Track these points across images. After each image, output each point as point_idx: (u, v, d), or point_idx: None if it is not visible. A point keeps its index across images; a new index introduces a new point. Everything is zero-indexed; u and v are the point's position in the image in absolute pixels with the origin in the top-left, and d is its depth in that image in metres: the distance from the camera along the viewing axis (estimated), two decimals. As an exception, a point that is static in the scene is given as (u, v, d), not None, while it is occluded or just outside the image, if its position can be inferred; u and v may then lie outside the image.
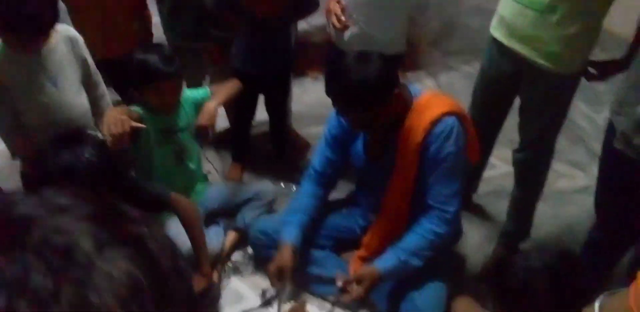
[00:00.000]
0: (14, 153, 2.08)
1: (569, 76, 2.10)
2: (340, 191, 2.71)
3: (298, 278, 2.31)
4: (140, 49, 2.26)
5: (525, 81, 2.17)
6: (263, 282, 2.38)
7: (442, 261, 2.09)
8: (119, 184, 1.83)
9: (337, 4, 2.41)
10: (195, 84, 2.93)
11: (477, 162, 2.24)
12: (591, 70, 2.16)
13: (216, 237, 2.41)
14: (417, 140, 1.94)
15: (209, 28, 2.78)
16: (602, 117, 3.41)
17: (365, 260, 2.19)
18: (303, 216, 2.17)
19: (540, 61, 2.04)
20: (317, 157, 2.25)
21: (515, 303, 1.38)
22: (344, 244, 2.39)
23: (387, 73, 1.86)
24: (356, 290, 1.92)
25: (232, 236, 2.51)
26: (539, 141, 2.26)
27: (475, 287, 2.35)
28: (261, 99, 2.96)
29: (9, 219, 0.54)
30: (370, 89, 1.81)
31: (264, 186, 2.66)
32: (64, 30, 2.10)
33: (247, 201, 2.57)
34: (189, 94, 2.41)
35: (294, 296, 2.32)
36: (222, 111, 3.19)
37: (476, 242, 2.61)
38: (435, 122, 1.92)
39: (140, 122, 2.17)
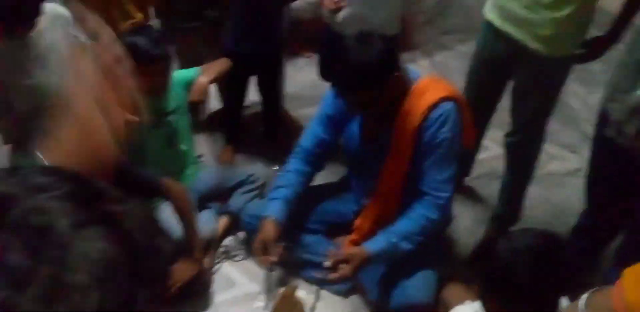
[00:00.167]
0: (5, 140, 2.06)
1: (562, 59, 2.09)
2: (330, 175, 2.72)
3: (289, 263, 2.33)
4: (127, 32, 2.23)
5: (519, 64, 2.16)
6: (255, 267, 2.40)
7: (433, 249, 2.10)
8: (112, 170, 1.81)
9: None
10: (188, 64, 2.90)
11: (471, 147, 2.24)
12: (579, 50, 2.15)
13: (208, 222, 2.42)
14: (414, 124, 1.93)
15: (202, 8, 2.74)
16: (595, 97, 3.37)
17: (357, 244, 2.19)
18: (287, 191, 2.15)
19: (534, 44, 2.03)
20: (307, 135, 2.23)
21: (500, 285, 1.39)
22: (336, 229, 2.40)
23: (389, 54, 1.84)
24: (344, 269, 1.92)
25: (224, 220, 2.52)
26: (530, 124, 2.26)
27: (466, 272, 2.37)
28: (254, 80, 2.94)
29: None
30: (371, 70, 1.80)
31: (256, 169, 2.65)
32: (52, 9, 2.06)
33: (239, 185, 2.56)
34: (178, 75, 2.39)
35: (285, 281, 2.34)
36: (214, 92, 3.19)
37: (468, 225, 2.62)
38: (432, 107, 1.91)
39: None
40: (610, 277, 1.93)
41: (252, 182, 2.56)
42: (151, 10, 2.83)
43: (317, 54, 2.87)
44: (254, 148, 3.03)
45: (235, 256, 2.45)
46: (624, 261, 1.91)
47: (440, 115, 1.91)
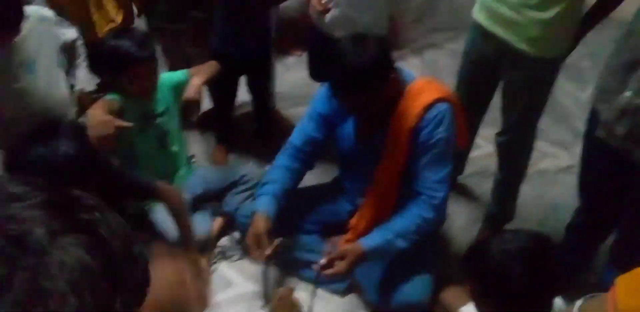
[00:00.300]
0: None
1: (550, 60, 2.10)
2: (323, 175, 2.72)
3: (286, 263, 2.33)
4: (111, 34, 2.22)
5: (507, 65, 2.16)
6: (251, 267, 2.39)
7: (427, 248, 2.10)
8: (103, 175, 1.80)
9: None
10: (175, 65, 2.90)
11: (465, 148, 2.24)
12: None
13: (203, 223, 2.41)
14: (409, 125, 1.94)
15: (188, 9, 2.73)
16: (585, 94, 3.41)
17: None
18: (275, 186, 2.13)
19: (522, 46, 2.04)
20: (298, 133, 2.21)
21: (492, 287, 1.39)
22: (331, 229, 2.40)
23: (384, 56, 1.85)
24: (339, 265, 1.91)
25: (218, 221, 2.51)
26: (521, 124, 2.27)
27: (461, 271, 2.38)
28: (244, 80, 2.92)
29: None
30: (368, 73, 1.80)
31: (249, 170, 2.65)
32: (35, 12, 2.03)
33: (233, 185, 2.56)
34: (166, 77, 2.38)
35: (282, 280, 2.34)
36: (206, 93, 3.17)
37: (462, 224, 2.63)
38: (428, 108, 1.92)
39: (122, 110, 2.16)
40: (605, 276, 1.96)
41: (246, 182, 2.54)
42: (134, 12, 2.83)
43: (307, 54, 2.85)
44: (246, 148, 3.02)
45: (231, 256, 2.45)
46: (617, 259, 1.94)
47: (436, 116, 1.92)
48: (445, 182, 1.98)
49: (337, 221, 2.36)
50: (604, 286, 1.96)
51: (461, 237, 2.57)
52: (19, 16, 1.83)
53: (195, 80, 2.34)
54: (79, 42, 2.29)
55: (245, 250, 2.33)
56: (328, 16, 2.43)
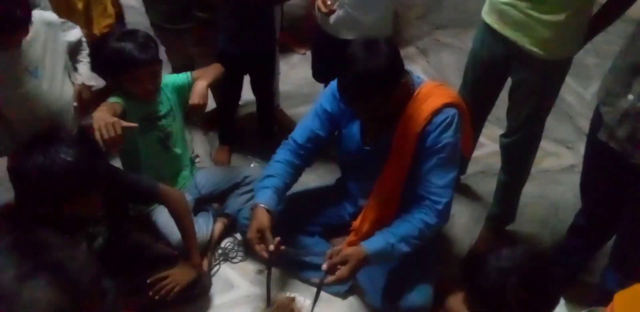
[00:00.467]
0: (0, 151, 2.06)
1: (560, 61, 2.09)
2: (326, 175, 2.73)
3: (287, 265, 2.34)
4: (114, 36, 2.23)
5: (517, 65, 2.15)
6: (253, 269, 2.41)
7: (429, 248, 2.10)
8: (104, 180, 1.81)
9: None
10: (179, 65, 2.91)
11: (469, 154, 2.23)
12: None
13: (205, 225, 2.42)
14: (417, 129, 1.94)
15: (190, 9, 2.73)
16: (590, 92, 3.41)
17: (355, 245, 2.20)
18: (276, 180, 2.12)
19: (532, 48, 2.03)
20: (301, 129, 2.20)
21: (489, 305, 1.39)
22: (333, 230, 2.41)
23: (396, 61, 1.84)
24: (341, 270, 1.90)
25: (221, 222, 2.52)
26: (528, 125, 2.25)
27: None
28: (248, 79, 2.93)
29: None
30: (379, 79, 1.80)
31: (252, 171, 2.65)
32: (40, 16, 2.05)
33: (235, 187, 2.57)
34: (169, 79, 2.38)
35: (284, 282, 2.35)
36: (209, 93, 3.18)
37: (464, 224, 2.63)
38: (436, 112, 1.92)
39: (125, 113, 2.17)
40: (605, 278, 1.97)
41: (248, 184, 2.55)
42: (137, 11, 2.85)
43: (311, 55, 2.85)
44: (249, 147, 3.03)
45: (233, 257, 2.46)
46: (617, 262, 1.94)
47: (444, 120, 1.92)
48: (449, 188, 1.97)
49: (339, 222, 2.37)
50: (604, 287, 1.98)
51: (463, 238, 2.57)
52: (28, 15, 1.84)
53: (199, 84, 2.33)
54: (84, 39, 2.31)
55: (247, 246, 2.30)
56: (333, 17, 2.42)
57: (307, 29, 3.44)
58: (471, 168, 2.83)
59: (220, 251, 2.47)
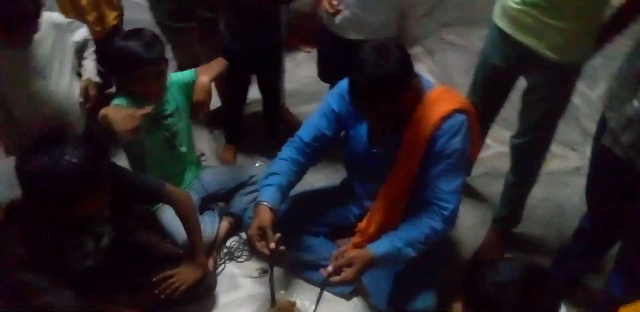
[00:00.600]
0: (7, 151, 2.05)
1: (572, 65, 2.08)
2: (331, 175, 2.72)
3: (292, 265, 2.34)
4: (120, 36, 2.23)
5: (530, 69, 2.15)
6: (258, 268, 2.41)
7: (434, 251, 2.10)
8: (110, 181, 1.81)
9: None
10: (184, 64, 2.90)
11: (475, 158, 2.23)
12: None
13: (211, 224, 2.42)
14: (426, 134, 1.93)
15: (195, 8, 2.73)
16: (596, 94, 3.40)
17: (360, 247, 2.20)
18: (281, 178, 2.11)
19: (546, 52, 2.02)
20: (307, 127, 2.19)
21: None
22: (337, 230, 2.41)
23: (407, 65, 1.84)
24: (347, 272, 1.90)
25: (226, 221, 2.52)
26: (540, 127, 2.24)
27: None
28: (254, 78, 2.92)
29: None
30: (390, 82, 1.79)
31: (258, 170, 2.65)
32: (47, 18, 2.05)
33: (241, 186, 2.57)
34: (174, 77, 2.38)
35: (288, 283, 2.36)
36: (214, 91, 3.17)
37: (469, 225, 2.63)
38: (445, 118, 1.91)
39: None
40: (610, 283, 1.96)
41: (254, 183, 2.55)
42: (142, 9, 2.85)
43: (317, 55, 2.84)
44: (255, 146, 3.02)
45: (238, 257, 2.46)
46: (622, 266, 1.94)
47: (453, 126, 1.91)
48: (456, 194, 1.96)
49: (344, 223, 2.37)
50: (609, 292, 1.98)
51: (469, 240, 2.57)
52: (38, 9, 1.84)
53: (202, 79, 2.35)
54: (90, 38, 2.30)
55: (248, 238, 2.27)
56: (339, 17, 2.41)
57: (312, 26, 3.43)
58: (476, 170, 2.83)
59: (225, 250, 2.48)
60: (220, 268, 2.41)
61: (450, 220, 1.98)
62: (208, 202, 2.56)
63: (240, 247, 2.49)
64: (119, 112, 2.00)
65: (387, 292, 2.15)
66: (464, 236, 2.58)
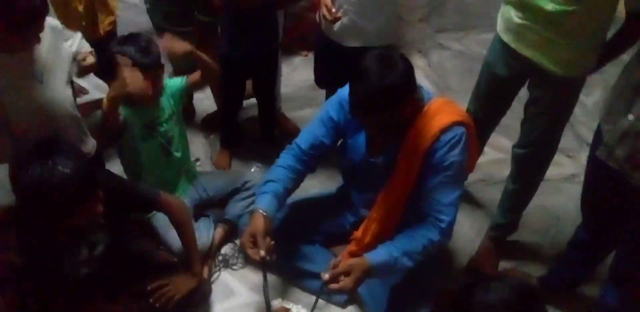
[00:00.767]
0: (1, 158, 2.04)
1: (575, 79, 2.08)
2: (327, 182, 2.72)
3: (288, 273, 2.33)
4: (115, 41, 2.22)
5: (533, 82, 2.15)
6: (254, 276, 2.40)
7: (429, 278, 2.12)
8: (104, 190, 1.81)
9: None
10: (182, 68, 2.89)
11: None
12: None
13: (206, 231, 2.41)
14: (424, 146, 1.93)
15: (192, 12, 2.72)
16: (591, 100, 3.41)
17: (356, 255, 2.19)
18: (277, 185, 2.10)
19: (550, 66, 2.02)
20: (305, 135, 2.18)
21: None
22: (333, 238, 2.41)
23: (411, 77, 1.83)
24: (344, 281, 1.89)
25: (221, 228, 2.51)
26: (540, 140, 2.24)
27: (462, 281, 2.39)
28: (249, 82, 2.91)
29: None
30: (394, 94, 1.79)
31: (252, 176, 2.65)
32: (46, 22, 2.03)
33: (235, 192, 2.56)
34: (168, 83, 2.38)
35: (284, 291, 2.35)
36: (209, 95, 3.17)
37: (465, 232, 2.63)
38: (445, 130, 1.91)
39: (125, 121, 2.20)
40: (605, 294, 1.97)
41: (248, 189, 2.55)
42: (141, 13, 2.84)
43: (314, 61, 2.83)
44: (250, 151, 3.02)
45: (234, 264, 2.45)
46: (616, 278, 1.94)
47: (452, 138, 1.91)
48: (453, 206, 1.96)
49: (340, 231, 2.37)
50: (604, 302, 1.99)
51: (464, 247, 2.57)
52: (46, 5, 1.82)
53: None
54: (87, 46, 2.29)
55: (240, 244, 2.29)
56: (337, 24, 2.40)
57: (309, 30, 3.43)
58: (472, 176, 2.76)
59: (220, 258, 2.47)
60: (215, 276, 2.40)
61: (447, 232, 1.97)
62: (203, 208, 2.55)
63: (236, 255, 2.48)
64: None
65: (383, 303, 2.15)
66: (458, 243, 2.57)
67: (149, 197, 2.07)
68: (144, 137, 2.29)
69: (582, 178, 2.13)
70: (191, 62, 2.83)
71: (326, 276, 1.90)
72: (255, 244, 1.97)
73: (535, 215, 2.68)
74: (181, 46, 2.20)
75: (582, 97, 3.38)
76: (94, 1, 2.53)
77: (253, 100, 3.00)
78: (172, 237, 2.24)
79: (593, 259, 2.20)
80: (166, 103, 2.35)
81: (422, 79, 1.94)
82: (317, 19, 2.49)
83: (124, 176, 2.41)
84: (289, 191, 2.16)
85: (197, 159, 2.91)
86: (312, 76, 2.88)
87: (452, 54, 3.83)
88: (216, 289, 2.35)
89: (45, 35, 1.94)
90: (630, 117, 1.71)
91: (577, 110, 3.32)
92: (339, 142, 2.22)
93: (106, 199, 1.82)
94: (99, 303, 2.08)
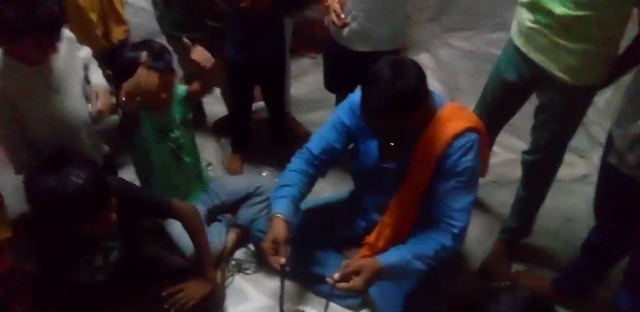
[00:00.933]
0: (17, 168, 2.06)
1: (585, 88, 2.06)
2: (339, 184, 2.72)
3: (300, 277, 2.34)
4: (129, 46, 2.23)
5: (543, 88, 2.14)
6: (266, 280, 2.41)
7: (442, 284, 2.12)
8: (117, 199, 1.82)
9: (336, 0, 2.36)
10: (191, 73, 2.90)
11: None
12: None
13: (218, 235, 2.43)
14: (437, 151, 1.93)
15: (201, 19, 2.73)
16: (603, 99, 3.37)
17: (369, 258, 2.20)
18: (293, 190, 2.10)
19: (558, 74, 2.01)
20: (317, 139, 2.18)
21: None
22: (345, 242, 2.41)
23: (423, 83, 1.83)
24: (355, 280, 1.88)
25: (234, 233, 2.52)
26: (548, 147, 2.24)
27: (474, 284, 2.39)
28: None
29: None
30: (407, 99, 1.78)
31: (264, 181, 2.66)
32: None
33: (248, 197, 2.58)
34: (179, 89, 2.39)
35: (297, 296, 2.36)
36: (219, 99, 3.18)
37: (476, 235, 2.62)
38: (457, 136, 1.91)
39: (139, 123, 2.21)
40: (619, 298, 1.95)
41: (260, 194, 2.56)
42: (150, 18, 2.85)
43: (323, 66, 2.83)
44: (262, 155, 3.03)
45: (247, 269, 2.47)
46: (630, 282, 1.93)
47: (464, 144, 1.91)
48: (466, 212, 1.96)
49: (351, 234, 2.38)
50: (619, 307, 1.97)
51: (475, 250, 2.56)
52: (64, 15, 1.83)
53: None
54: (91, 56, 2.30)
55: (262, 255, 2.26)
56: (346, 29, 2.41)
57: (318, 32, 3.43)
58: (483, 178, 2.82)
59: (233, 262, 2.48)
60: (228, 281, 2.42)
61: (460, 237, 1.97)
62: (215, 213, 2.56)
63: (248, 259, 2.49)
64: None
65: (396, 307, 2.15)
66: (470, 246, 2.57)
67: (161, 204, 2.08)
68: (155, 141, 2.30)
69: (594, 178, 2.12)
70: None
71: (336, 276, 1.88)
72: (276, 251, 1.97)
73: (547, 216, 2.67)
74: (210, 60, 2.25)
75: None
76: (106, 10, 2.54)
77: (263, 103, 3.00)
78: (186, 243, 2.26)
79: (606, 263, 2.19)
80: (177, 109, 2.36)
81: (431, 80, 1.92)
82: (326, 24, 2.50)
83: (137, 183, 2.42)
84: (303, 195, 2.17)
85: (209, 164, 2.92)
86: (321, 78, 2.88)
87: (461, 54, 3.82)
88: (230, 294, 2.36)
89: (61, 46, 1.95)
90: None
91: (589, 109, 3.34)
92: (350, 146, 2.22)
93: (119, 206, 1.84)
94: (114, 309, 2.10)
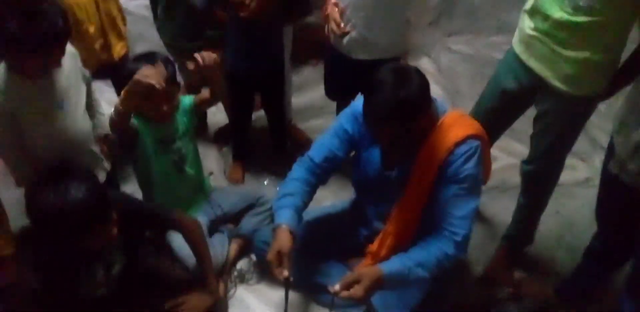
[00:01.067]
0: (19, 181, 2.06)
1: (584, 98, 2.04)
2: (340, 192, 2.72)
3: (303, 287, 2.34)
4: (132, 58, 2.24)
5: (541, 97, 2.12)
6: (269, 291, 2.41)
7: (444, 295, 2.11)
8: (118, 212, 1.83)
9: (335, 9, 2.36)
10: (191, 83, 2.91)
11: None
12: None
13: (220, 247, 2.42)
14: (439, 158, 1.92)
15: (202, 28, 2.73)
16: (605, 102, 3.35)
17: (371, 267, 2.19)
18: (295, 199, 2.09)
19: (557, 83, 2.00)
20: (318, 147, 2.18)
21: None
22: (347, 251, 2.40)
23: (426, 90, 1.83)
24: (355, 288, 1.87)
25: (236, 244, 2.52)
26: (546, 156, 2.23)
27: (477, 292, 2.38)
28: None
29: None
30: (409, 107, 1.78)
31: (265, 190, 2.66)
32: None
33: (250, 207, 2.58)
34: (181, 100, 2.38)
35: (298, 306, 2.36)
36: (221, 108, 3.18)
37: (477, 242, 2.59)
38: (459, 143, 1.91)
39: (137, 134, 2.21)
40: (622, 305, 1.95)
41: (262, 204, 2.56)
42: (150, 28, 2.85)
43: (324, 74, 2.83)
44: (263, 164, 3.03)
45: (249, 279, 2.46)
46: (632, 290, 1.92)
47: (467, 151, 1.90)
48: (468, 219, 1.95)
49: (353, 244, 2.37)
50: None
51: (477, 256, 2.55)
52: (68, 27, 1.83)
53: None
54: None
55: (265, 266, 2.27)
56: (346, 38, 2.41)
57: (319, 40, 3.42)
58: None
59: (236, 273, 2.48)
60: (231, 292, 2.41)
61: (463, 245, 1.96)
62: (217, 224, 2.56)
63: (251, 270, 2.49)
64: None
65: None
66: (472, 252, 2.53)
67: (163, 217, 2.09)
68: (157, 153, 2.30)
69: (596, 182, 2.11)
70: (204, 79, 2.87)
71: (336, 287, 1.88)
72: (280, 262, 1.97)
73: (549, 221, 2.66)
74: (213, 56, 2.22)
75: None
76: (104, 22, 2.54)
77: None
78: (188, 255, 2.26)
79: (609, 270, 2.19)
80: (180, 120, 2.36)
81: (431, 84, 1.92)
82: (326, 32, 2.49)
83: (139, 195, 2.43)
84: (305, 204, 2.16)
85: (211, 173, 2.92)
86: (322, 86, 2.88)
87: (462, 58, 3.82)
88: (232, 306, 2.36)
89: (65, 61, 1.96)
90: None
91: (590, 112, 3.35)
92: (352, 154, 2.22)
93: (121, 219, 1.84)
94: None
